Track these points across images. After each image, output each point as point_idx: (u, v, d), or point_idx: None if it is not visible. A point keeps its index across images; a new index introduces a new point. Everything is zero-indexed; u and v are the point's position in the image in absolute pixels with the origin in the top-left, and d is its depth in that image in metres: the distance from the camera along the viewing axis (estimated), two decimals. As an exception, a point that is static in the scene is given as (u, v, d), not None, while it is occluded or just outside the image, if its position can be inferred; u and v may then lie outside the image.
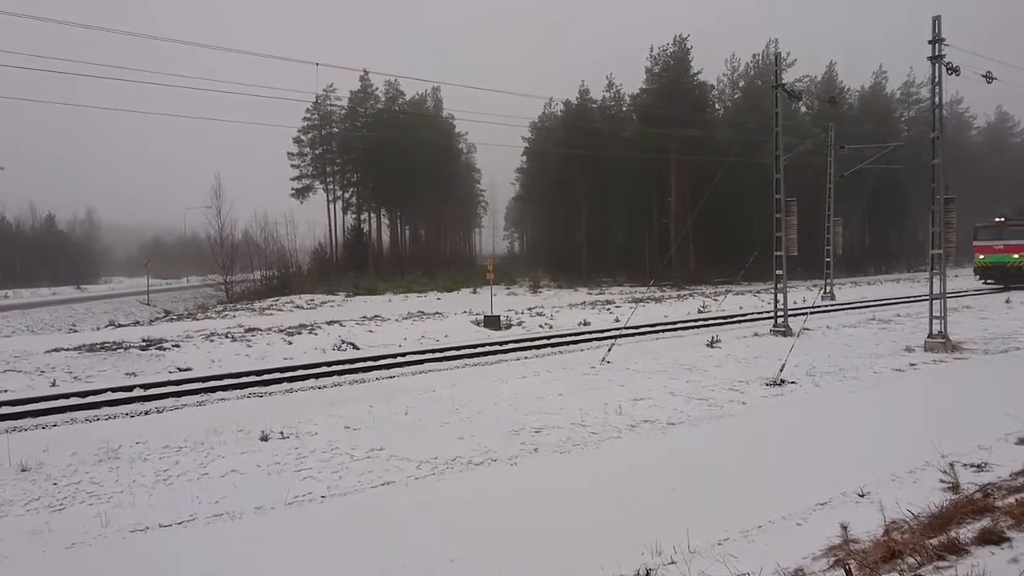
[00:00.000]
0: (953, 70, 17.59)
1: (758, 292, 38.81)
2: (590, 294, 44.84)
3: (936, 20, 17.38)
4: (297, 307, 37.86)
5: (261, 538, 6.82)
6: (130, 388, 14.62)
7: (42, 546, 6.73)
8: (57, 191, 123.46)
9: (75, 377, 16.25)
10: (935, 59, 17.47)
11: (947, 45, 17.41)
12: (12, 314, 43.89)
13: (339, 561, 6.23)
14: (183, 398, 13.94)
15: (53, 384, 15.48)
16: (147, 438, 10.50)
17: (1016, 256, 37.23)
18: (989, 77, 20.16)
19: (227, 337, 21.10)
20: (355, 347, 20.91)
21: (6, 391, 14.79)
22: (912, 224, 69.70)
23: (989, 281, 38.47)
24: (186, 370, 17.30)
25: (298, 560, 6.25)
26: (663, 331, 23.42)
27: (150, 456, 9.61)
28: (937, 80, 17.55)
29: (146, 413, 12.80)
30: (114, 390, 14.49)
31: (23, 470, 9.03)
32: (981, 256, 38.51)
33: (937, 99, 17.75)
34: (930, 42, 17.48)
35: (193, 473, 8.84)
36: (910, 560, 4.54)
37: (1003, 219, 38.44)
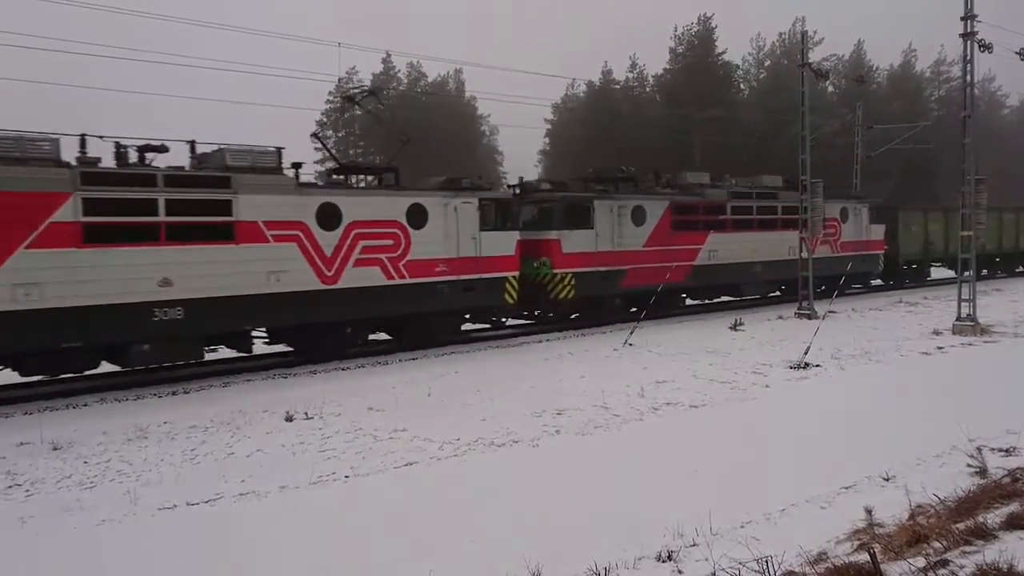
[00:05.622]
0: (986, 47, 17.17)
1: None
2: (612, 277, 44.56)
3: (969, -5, 16.94)
4: (320, 290, 38.07)
5: (287, 517, 6.91)
6: (157, 369, 14.79)
7: (73, 522, 6.88)
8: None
9: (104, 358, 16.48)
10: (967, 36, 17.03)
11: (979, 22, 16.98)
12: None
13: (364, 540, 6.30)
14: (209, 379, 14.11)
15: (83, 365, 15.70)
16: (174, 418, 10.65)
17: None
18: (1023, 54, 19.64)
19: (252, 319, 21.26)
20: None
21: (38, 372, 15.04)
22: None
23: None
24: (212, 351, 17.46)
25: (323, 540, 6.33)
26: (686, 314, 23.26)
27: (177, 436, 9.77)
28: (969, 58, 17.13)
29: (173, 394, 12.97)
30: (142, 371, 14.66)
31: (55, 448, 9.21)
32: None
33: (969, 77, 17.34)
34: (962, 18, 17.03)
35: (219, 453, 8.98)
36: (936, 545, 4.49)
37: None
